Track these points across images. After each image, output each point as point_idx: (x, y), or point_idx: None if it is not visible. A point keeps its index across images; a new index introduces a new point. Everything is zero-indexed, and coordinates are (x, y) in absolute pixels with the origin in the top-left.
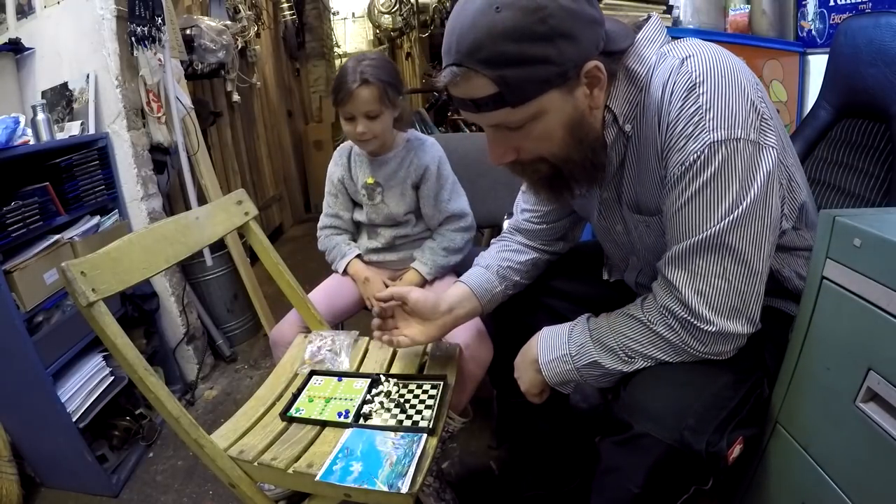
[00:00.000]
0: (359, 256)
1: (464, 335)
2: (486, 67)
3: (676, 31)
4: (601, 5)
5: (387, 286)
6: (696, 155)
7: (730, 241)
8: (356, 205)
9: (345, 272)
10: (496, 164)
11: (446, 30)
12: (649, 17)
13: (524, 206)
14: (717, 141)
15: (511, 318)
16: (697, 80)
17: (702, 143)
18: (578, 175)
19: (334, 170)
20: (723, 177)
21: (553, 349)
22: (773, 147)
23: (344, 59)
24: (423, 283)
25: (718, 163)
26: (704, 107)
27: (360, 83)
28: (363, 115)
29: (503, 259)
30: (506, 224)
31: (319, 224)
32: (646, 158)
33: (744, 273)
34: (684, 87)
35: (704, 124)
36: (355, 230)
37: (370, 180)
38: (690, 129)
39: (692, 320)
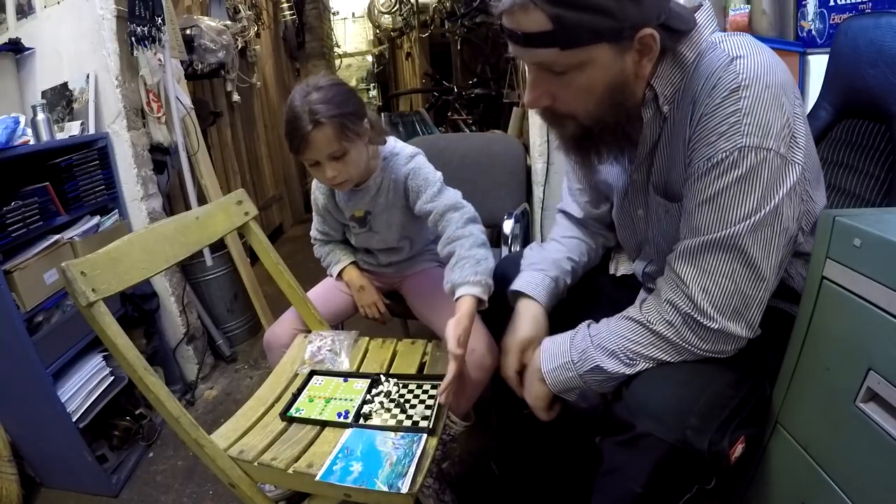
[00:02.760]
0: (354, 263)
1: (471, 342)
2: (547, 2)
3: None
4: None
5: (385, 304)
6: (725, 154)
7: (743, 245)
8: (345, 225)
9: (339, 277)
10: (530, 107)
11: None
12: (702, 3)
13: (572, 186)
14: (749, 146)
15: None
16: (743, 84)
17: (733, 143)
18: (608, 139)
19: (318, 195)
20: (748, 182)
21: (555, 357)
22: (798, 164)
23: (342, 60)
24: (480, 304)
25: (746, 167)
26: (743, 110)
27: (314, 126)
28: (327, 157)
29: (567, 274)
30: (558, 207)
31: (311, 234)
32: (676, 143)
33: (751, 278)
34: (728, 87)
35: (740, 127)
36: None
37: (358, 213)
38: (724, 127)
39: (695, 315)
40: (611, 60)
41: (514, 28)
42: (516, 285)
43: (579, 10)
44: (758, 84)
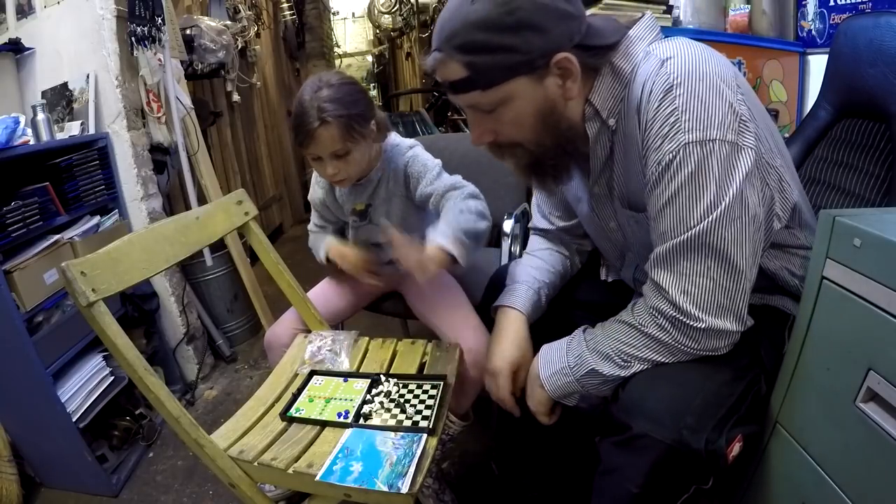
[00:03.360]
0: (338, 242)
1: (469, 340)
2: (458, 53)
3: (676, 31)
4: (601, 5)
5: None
6: (671, 155)
7: (711, 241)
8: (345, 222)
9: (328, 260)
10: (475, 145)
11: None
12: (643, 15)
13: (544, 202)
14: (692, 142)
15: None
16: (675, 82)
17: (677, 143)
18: (555, 161)
19: (317, 190)
20: (700, 177)
21: (552, 363)
22: (751, 148)
23: (342, 60)
24: (452, 260)
25: (695, 163)
26: (680, 108)
27: (320, 123)
28: (329, 155)
29: (548, 286)
30: (532, 222)
31: (308, 227)
32: (631, 154)
33: (728, 272)
34: (661, 89)
35: (680, 125)
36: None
37: (359, 206)
38: (666, 129)
39: (682, 318)
40: (531, 90)
41: (442, 79)
42: (500, 300)
43: (487, 52)
44: (689, 79)
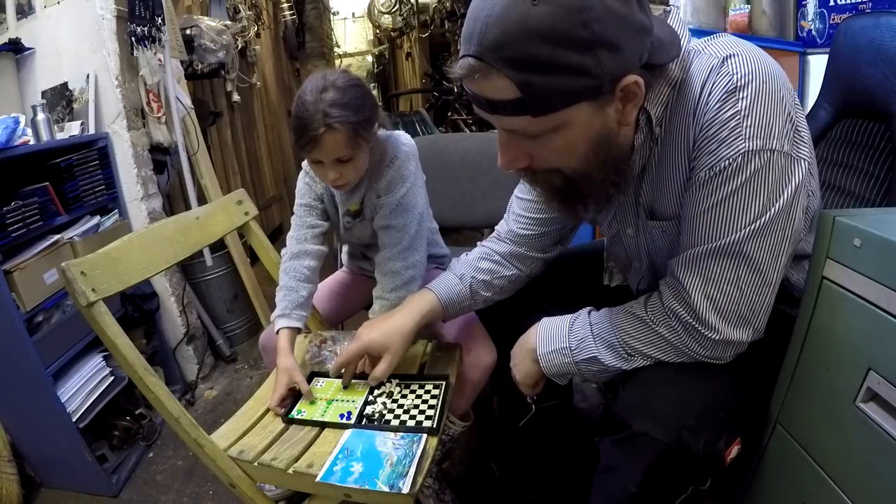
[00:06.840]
0: (298, 331)
1: (466, 340)
2: (509, 67)
3: None
4: None
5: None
6: (728, 161)
7: (748, 250)
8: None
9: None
10: (504, 170)
11: (470, 12)
12: (667, 11)
13: (518, 211)
14: (752, 150)
15: (510, 324)
16: (739, 84)
17: (735, 150)
18: (596, 193)
19: (314, 187)
20: (752, 187)
21: (552, 341)
22: (804, 160)
23: (342, 60)
24: None
25: (750, 172)
26: (742, 112)
27: (326, 129)
28: (332, 161)
29: (479, 271)
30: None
31: (289, 237)
32: (669, 159)
33: (757, 283)
34: (724, 89)
35: (741, 131)
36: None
37: (354, 207)
38: (725, 133)
39: (697, 325)
40: (591, 118)
41: (477, 93)
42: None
43: (549, 72)
44: (755, 81)
